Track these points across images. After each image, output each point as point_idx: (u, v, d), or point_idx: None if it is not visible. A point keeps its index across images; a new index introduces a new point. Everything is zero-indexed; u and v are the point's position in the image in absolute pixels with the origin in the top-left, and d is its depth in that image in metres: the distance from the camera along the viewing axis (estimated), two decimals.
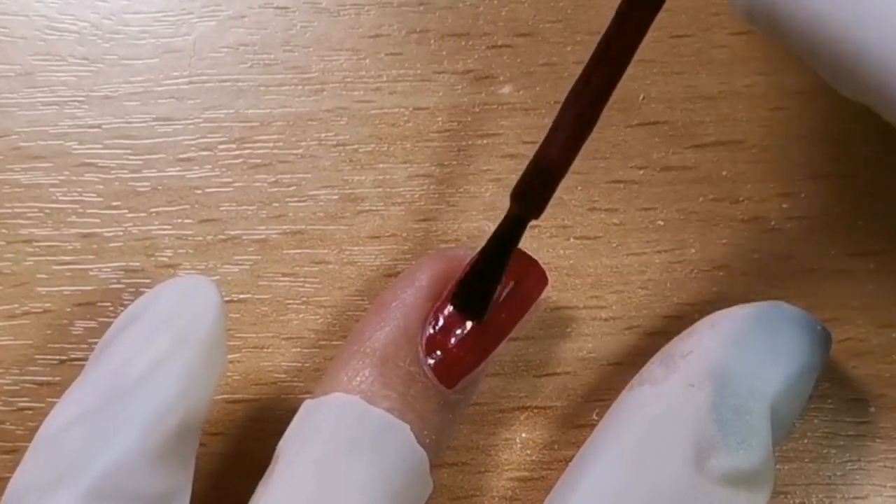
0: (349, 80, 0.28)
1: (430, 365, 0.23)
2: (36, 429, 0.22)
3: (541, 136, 0.21)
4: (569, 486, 0.22)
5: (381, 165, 0.27)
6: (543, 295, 0.24)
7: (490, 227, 0.23)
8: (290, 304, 0.27)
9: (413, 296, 0.23)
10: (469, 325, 0.23)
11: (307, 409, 0.23)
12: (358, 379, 0.22)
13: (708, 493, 0.21)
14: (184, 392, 0.21)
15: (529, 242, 0.26)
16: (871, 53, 0.17)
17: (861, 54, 0.18)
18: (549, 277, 0.24)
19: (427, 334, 0.23)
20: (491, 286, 0.23)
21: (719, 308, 0.24)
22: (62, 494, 0.20)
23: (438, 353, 0.23)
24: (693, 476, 0.21)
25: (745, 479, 0.22)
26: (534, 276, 0.24)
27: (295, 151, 0.27)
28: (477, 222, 0.27)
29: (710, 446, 0.22)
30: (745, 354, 0.23)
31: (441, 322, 0.23)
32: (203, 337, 0.22)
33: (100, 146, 0.27)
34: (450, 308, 0.23)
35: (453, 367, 0.23)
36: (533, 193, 0.22)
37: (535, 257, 0.24)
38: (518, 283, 0.23)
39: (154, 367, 0.21)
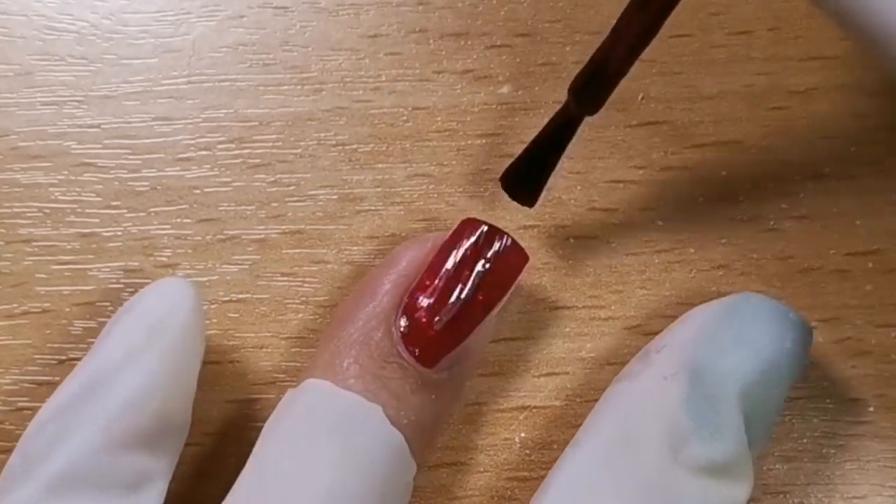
0: (348, 79, 0.28)
1: (405, 345, 0.23)
2: None
3: None
4: (548, 482, 0.23)
5: (380, 165, 0.27)
6: (524, 275, 0.24)
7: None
8: (289, 303, 0.27)
9: (390, 280, 0.24)
10: (446, 304, 0.23)
11: (286, 396, 0.23)
12: (335, 363, 0.23)
13: (683, 484, 0.21)
14: (156, 383, 0.22)
15: (527, 241, 0.26)
16: None
17: None
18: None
19: (402, 315, 0.23)
20: (542, 174, 0.24)
21: None
22: (25, 487, 0.21)
23: (414, 334, 0.23)
24: (669, 467, 0.21)
25: (720, 471, 0.22)
26: (513, 255, 0.24)
27: (294, 151, 0.27)
28: None
29: (684, 437, 0.22)
30: (715, 345, 0.23)
31: (417, 303, 0.23)
32: (176, 329, 0.22)
33: (99, 146, 0.27)
34: (427, 289, 0.23)
35: (430, 346, 0.23)
36: (591, 92, 0.23)
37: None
38: (497, 262, 0.23)
39: (127, 361, 0.22)
